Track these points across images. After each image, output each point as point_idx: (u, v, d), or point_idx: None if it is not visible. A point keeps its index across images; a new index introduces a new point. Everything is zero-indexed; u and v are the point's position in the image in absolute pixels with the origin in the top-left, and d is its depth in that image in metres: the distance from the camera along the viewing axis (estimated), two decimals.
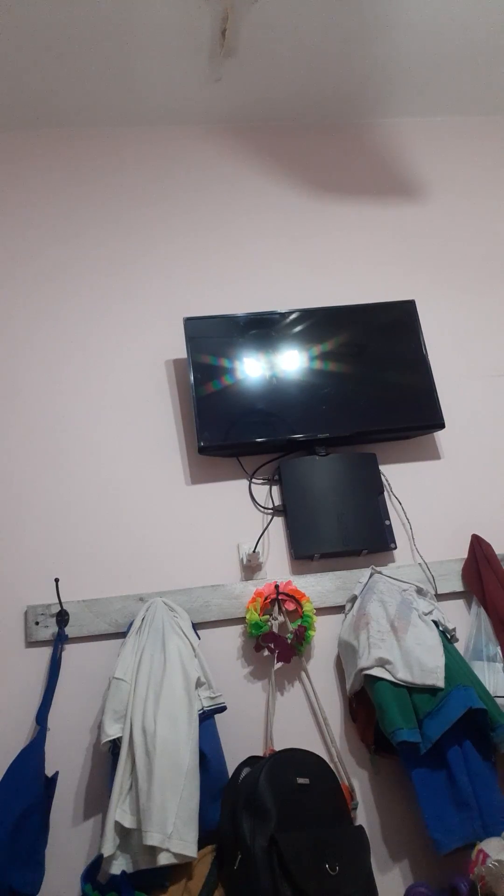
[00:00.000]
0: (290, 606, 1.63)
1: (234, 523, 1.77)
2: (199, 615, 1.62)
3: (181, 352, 1.93)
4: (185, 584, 1.68)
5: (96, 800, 1.47)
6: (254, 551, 1.69)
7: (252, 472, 1.83)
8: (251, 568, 1.72)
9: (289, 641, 1.57)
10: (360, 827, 1.37)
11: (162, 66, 2.11)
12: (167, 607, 1.56)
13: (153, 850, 1.24)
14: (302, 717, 1.58)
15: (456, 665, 1.47)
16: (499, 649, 1.57)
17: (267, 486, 1.83)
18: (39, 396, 1.87)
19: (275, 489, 1.82)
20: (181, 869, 1.29)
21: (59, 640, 1.57)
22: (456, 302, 2.16)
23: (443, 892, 1.32)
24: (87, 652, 1.59)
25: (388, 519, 1.76)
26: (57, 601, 1.61)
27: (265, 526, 1.77)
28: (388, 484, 1.84)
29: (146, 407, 1.89)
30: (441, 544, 1.79)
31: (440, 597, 1.71)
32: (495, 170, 2.44)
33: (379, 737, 1.48)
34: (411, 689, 1.44)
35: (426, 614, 1.56)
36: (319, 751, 1.52)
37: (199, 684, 1.45)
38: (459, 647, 1.60)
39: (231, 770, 1.43)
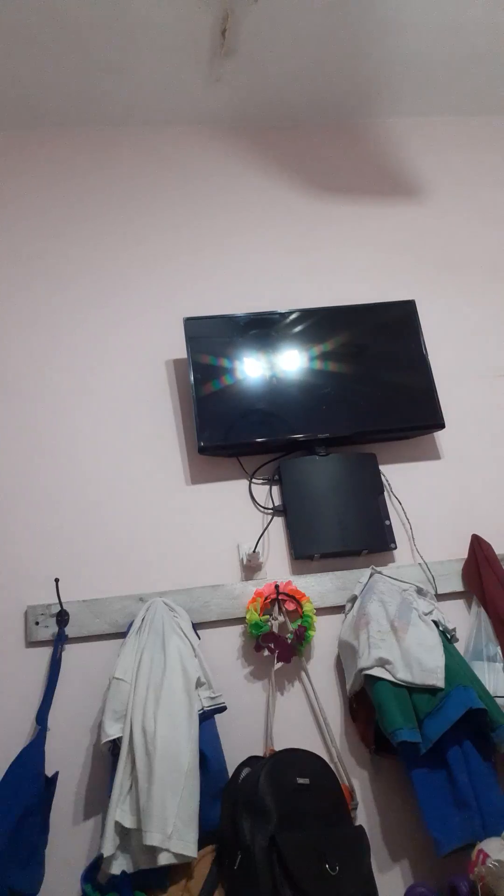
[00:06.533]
0: (291, 606, 1.63)
1: (234, 523, 1.77)
2: (199, 615, 1.62)
3: (181, 352, 1.93)
4: (185, 584, 1.68)
5: (96, 800, 1.47)
6: (254, 551, 1.69)
7: (252, 472, 1.83)
8: (251, 568, 1.72)
9: (289, 641, 1.57)
10: (360, 827, 1.37)
11: (162, 66, 2.11)
12: (167, 607, 1.56)
13: (153, 850, 1.24)
14: (302, 717, 1.58)
15: (456, 665, 1.47)
16: (499, 649, 1.57)
17: (267, 486, 1.83)
18: (39, 396, 1.87)
19: (275, 489, 1.82)
20: (181, 869, 1.29)
21: (59, 640, 1.56)
22: (456, 302, 2.16)
23: (443, 892, 1.31)
24: (87, 652, 1.59)
25: (388, 519, 1.76)
26: (57, 601, 1.61)
27: (265, 526, 1.77)
28: (388, 484, 1.84)
29: (146, 407, 1.89)
30: (441, 544, 1.79)
31: (440, 597, 1.71)
32: (495, 170, 2.44)
33: (379, 737, 1.48)
34: (411, 689, 1.44)
35: (426, 614, 1.56)
36: (319, 751, 1.52)
37: (199, 684, 1.45)
38: (459, 647, 1.60)
39: (231, 770, 1.43)
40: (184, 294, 2.06)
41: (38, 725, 1.46)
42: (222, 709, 1.46)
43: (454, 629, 1.59)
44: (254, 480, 1.83)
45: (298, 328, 1.90)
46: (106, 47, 2.01)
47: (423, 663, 1.44)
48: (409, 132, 2.46)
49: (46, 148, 2.24)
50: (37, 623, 1.59)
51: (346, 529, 1.72)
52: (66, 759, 1.49)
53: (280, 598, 1.63)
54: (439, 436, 1.94)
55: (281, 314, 1.92)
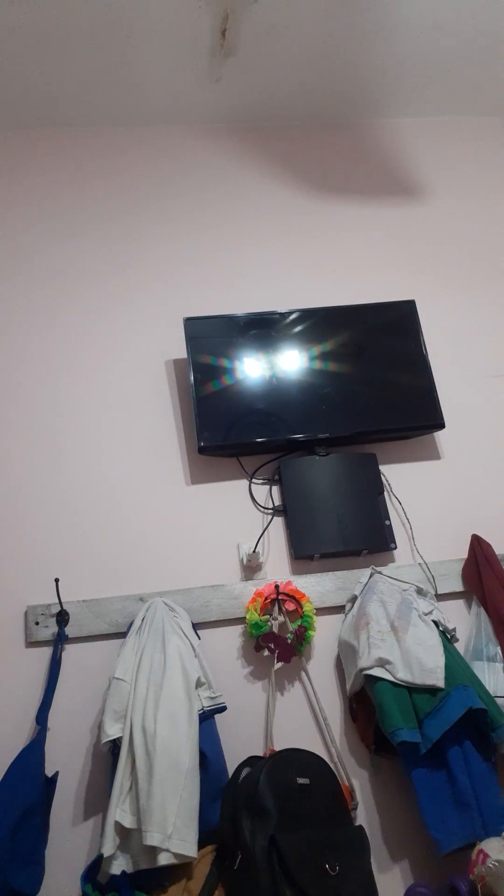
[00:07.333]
0: (291, 606, 1.63)
1: (234, 523, 1.77)
2: (199, 615, 1.62)
3: (181, 352, 1.93)
4: (185, 584, 1.68)
5: (96, 800, 1.47)
6: (254, 551, 1.69)
7: (252, 472, 1.83)
8: (251, 568, 1.72)
9: (289, 641, 1.57)
10: (360, 827, 1.37)
11: (162, 66, 2.11)
12: (167, 607, 1.56)
13: (153, 850, 1.24)
14: (302, 717, 1.58)
15: (456, 665, 1.47)
16: (499, 649, 1.57)
17: (267, 486, 1.83)
18: (40, 396, 1.87)
19: (275, 489, 1.82)
20: (181, 869, 1.29)
21: (59, 640, 1.57)
22: (456, 302, 2.16)
23: (443, 892, 1.31)
24: (87, 652, 1.59)
25: (388, 519, 1.76)
26: (57, 601, 1.61)
27: (265, 526, 1.77)
28: (388, 484, 1.84)
29: (146, 407, 1.89)
30: (441, 544, 1.79)
31: (440, 597, 1.71)
32: (495, 170, 2.44)
33: (379, 737, 1.48)
34: (411, 689, 1.44)
35: (426, 614, 1.56)
36: (319, 751, 1.52)
37: (199, 684, 1.45)
38: (459, 647, 1.60)
39: (231, 770, 1.43)
40: (184, 294, 2.06)
41: (38, 725, 1.46)
42: (222, 709, 1.46)
43: (454, 629, 1.59)
44: (254, 480, 1.83)
45: (298, 328, 1.90)
46: (106, 47, 2.01)
47: (423, 663, 1.44)
48: (409, 132, 2.47)
49: (46, 148, 2.24)
50: (37, 623, 1.59)
51: (346, 529, 1.72)
52: (66, 759, 1.49)
53: (280, 598, 1.63)
54: (439, 436, 1.94)
55: (281, 314, 1.92)
